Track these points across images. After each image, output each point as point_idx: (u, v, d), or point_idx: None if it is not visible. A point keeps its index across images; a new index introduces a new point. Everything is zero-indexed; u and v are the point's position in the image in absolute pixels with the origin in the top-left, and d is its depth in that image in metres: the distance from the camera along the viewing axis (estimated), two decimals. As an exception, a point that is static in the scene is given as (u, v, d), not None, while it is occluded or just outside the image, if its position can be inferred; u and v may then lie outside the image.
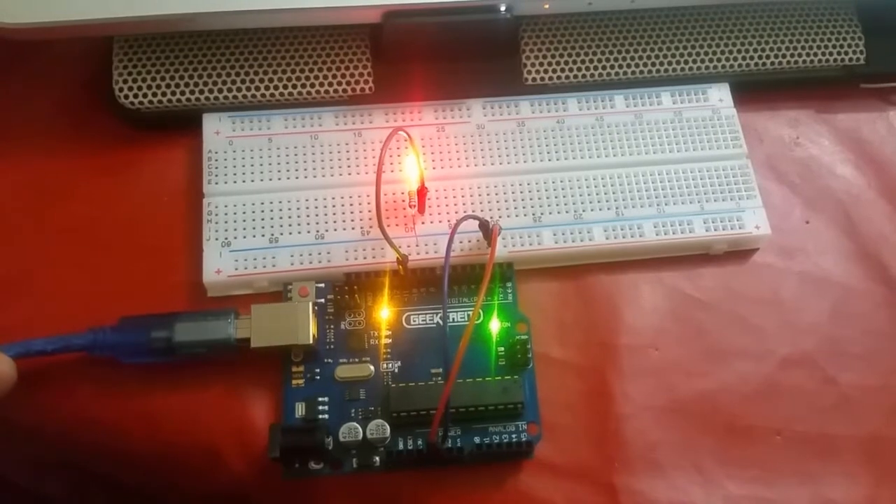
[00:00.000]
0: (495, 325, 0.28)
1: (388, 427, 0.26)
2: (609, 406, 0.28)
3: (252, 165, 0.30)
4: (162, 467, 0.27)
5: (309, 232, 0.29)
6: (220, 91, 0.30)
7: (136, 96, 0.30)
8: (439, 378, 0.27)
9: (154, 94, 0.30)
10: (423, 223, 0.29)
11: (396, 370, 0.27)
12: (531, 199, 0.30)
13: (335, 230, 0.29)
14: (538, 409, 0.27)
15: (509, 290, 0.29)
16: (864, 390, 0.29)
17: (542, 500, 0.27)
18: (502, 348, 0.28)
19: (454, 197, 0.30)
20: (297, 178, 0.30)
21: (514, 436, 0.27)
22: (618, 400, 0.28)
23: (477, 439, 0.27)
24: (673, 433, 0.28)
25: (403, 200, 0.29)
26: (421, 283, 0.28)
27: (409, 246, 0.29)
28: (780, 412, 0.29)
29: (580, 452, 0.27)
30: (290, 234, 0.29)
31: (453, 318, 0.28)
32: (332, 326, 0.28)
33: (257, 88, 0.31)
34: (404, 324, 0.28)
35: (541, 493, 0.27)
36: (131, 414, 0.27)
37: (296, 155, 0.30)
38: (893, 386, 0.29)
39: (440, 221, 0.29)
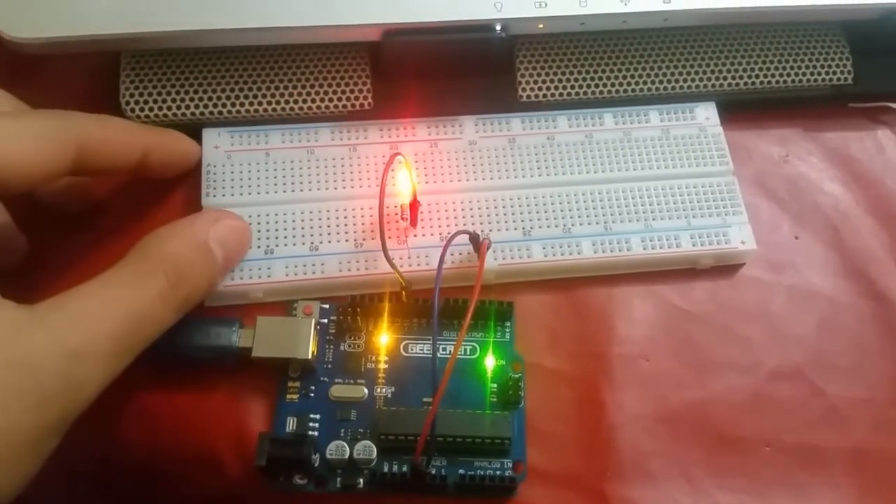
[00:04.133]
0: (490, 362, 0.28)
1: (375, 449, 0.27)
2: (601, 415, 0.28)
3: (249, 179, 0.30)
4: (158, 469, 0.27)
5: (304, 244, 0.29)
6: (224, 105, 0.31)
7: (141, 109, 0.31)
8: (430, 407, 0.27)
9: (159, 108, 0.31)
10: (415, 236, 0.30)
11: (389, 395, 0.28)
12: (521, 214, 0.30)
13: (329, 242, 0.29)
14: (525, 449, 0.27)
15: (507, 329, 0.29)
16: (851, 402, 0.29)
17: (533, 508, 0.27)
18: (495, 385, 0.28)
19: (446, 211, 0.30)
20: (292, 191, 0.30)
21: (498, 471, 0.27)
22: (609, 409, 0.28)
23: (462, 471, 0.26)
24: (663, 442, 0.28)
25: (396, 213, 0.30)
26: (422, 314, 0.29)
27: (401, 258, 0.29)
28: (768, 423, 0.29)
29: (572, 460, 0.27)
30: (286, 245, 0.29)
31: (448, 350, 0.28)
32: (331, 346, 0.28)
33: (259, 104, 0.31)
34: (402, 352, 0.28)
35: (533, 500, 0.27)
36: (131, 414, 0.27)
37: (292, 169, 0.31)
38: (880, 398, 0.29)
39: (432, 234, 0.30)
